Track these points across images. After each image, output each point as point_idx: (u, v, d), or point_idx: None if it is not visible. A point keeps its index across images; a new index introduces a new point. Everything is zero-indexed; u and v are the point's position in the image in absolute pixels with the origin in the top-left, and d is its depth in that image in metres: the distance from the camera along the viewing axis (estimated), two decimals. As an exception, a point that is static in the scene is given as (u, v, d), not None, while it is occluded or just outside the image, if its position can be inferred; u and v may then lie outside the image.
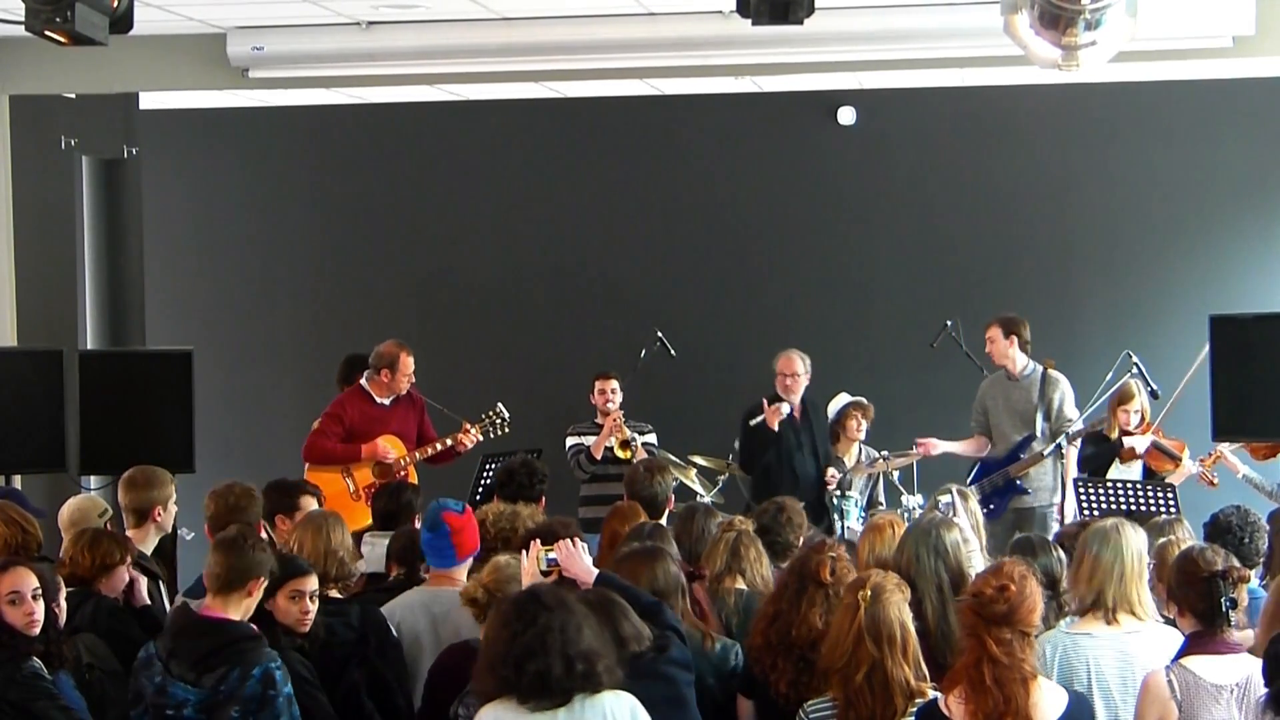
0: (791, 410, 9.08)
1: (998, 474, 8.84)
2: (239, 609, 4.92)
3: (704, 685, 5.02)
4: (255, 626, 4.95)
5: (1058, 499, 8.89)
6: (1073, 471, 8.90)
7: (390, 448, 8.65)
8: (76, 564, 5.67)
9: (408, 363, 8.80)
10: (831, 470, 9.09)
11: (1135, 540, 5.01)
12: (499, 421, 8.96)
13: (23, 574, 4.95)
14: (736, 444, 9.32)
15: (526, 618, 4.27)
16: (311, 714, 5.00)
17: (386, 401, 8.85)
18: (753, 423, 9.13)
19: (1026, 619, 4.22)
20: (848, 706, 4.38)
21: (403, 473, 8.66)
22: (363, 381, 8.87)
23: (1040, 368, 9.10)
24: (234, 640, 4.82)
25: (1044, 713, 4.20)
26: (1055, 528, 8.69)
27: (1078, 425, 8.80)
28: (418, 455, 8.80)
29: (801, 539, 6.33)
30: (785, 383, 9.09)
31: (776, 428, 9.00)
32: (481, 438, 8.89)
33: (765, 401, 9.09)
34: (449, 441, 8.83)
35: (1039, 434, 8.96)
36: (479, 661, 4.37)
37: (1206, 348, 8.37)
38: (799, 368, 9.10)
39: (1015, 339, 9.13)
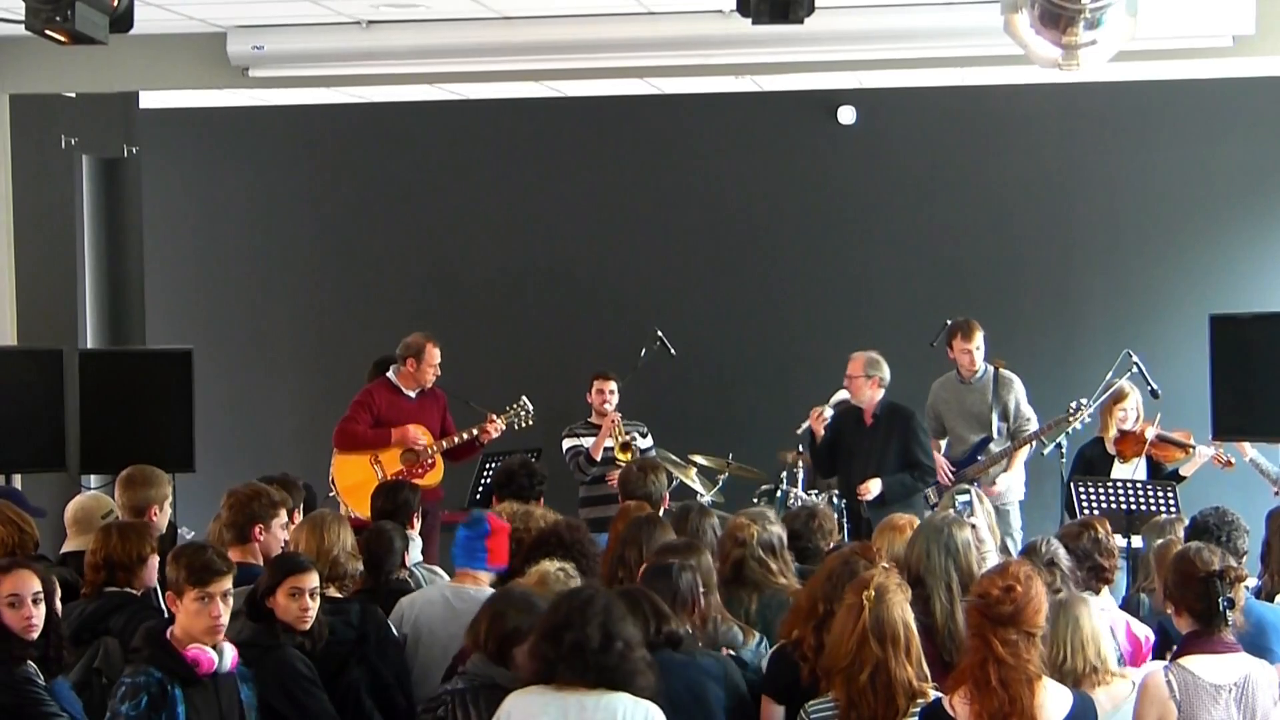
0: (861, 414, 8.61)
1: (956, 476, 8.77)
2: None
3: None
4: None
5: (1014, 497, 8.95)
6: (1017, 469, 8.93)
7: (420, 434, 8.69)
8: (116, 562, 5.58)
9: (434, 354, 8.85)
10: (869, 485, 8.33)
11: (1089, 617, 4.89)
12: (523, 413, 8.98)
13: (25, 577, 4.88)
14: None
15: (571, 597, 4.38)
16: (311, 712, 5.01)
17: (412, 394, 8.88)
18: (799, 430, 8.84)
19: (1032, 620, 4.22)
20: (850, 707, 4.37)
21: (431, 461, 8.72)
22: (389, 374, 8.91)
23: (991, 369, 9.07)
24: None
25: (1049, 713, 4.21)
26: (1018, 521, 8.83)
27: (1083, 420, 8.76)
28: (444, 444, 8.82)
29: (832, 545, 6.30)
30: (845, 384, 8.67)
31: (821, 431, 8.58)
32: (504, 427, 8.91)
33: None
34: (474, 432, 8.86)
35: (995, 434, 8.94)
36: (525, 652, 4.43)
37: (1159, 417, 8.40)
38: (857, 369, 8.53)
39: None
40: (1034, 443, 8.81)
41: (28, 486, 8.87)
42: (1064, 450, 8.75)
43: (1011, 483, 8.99)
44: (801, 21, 6.20)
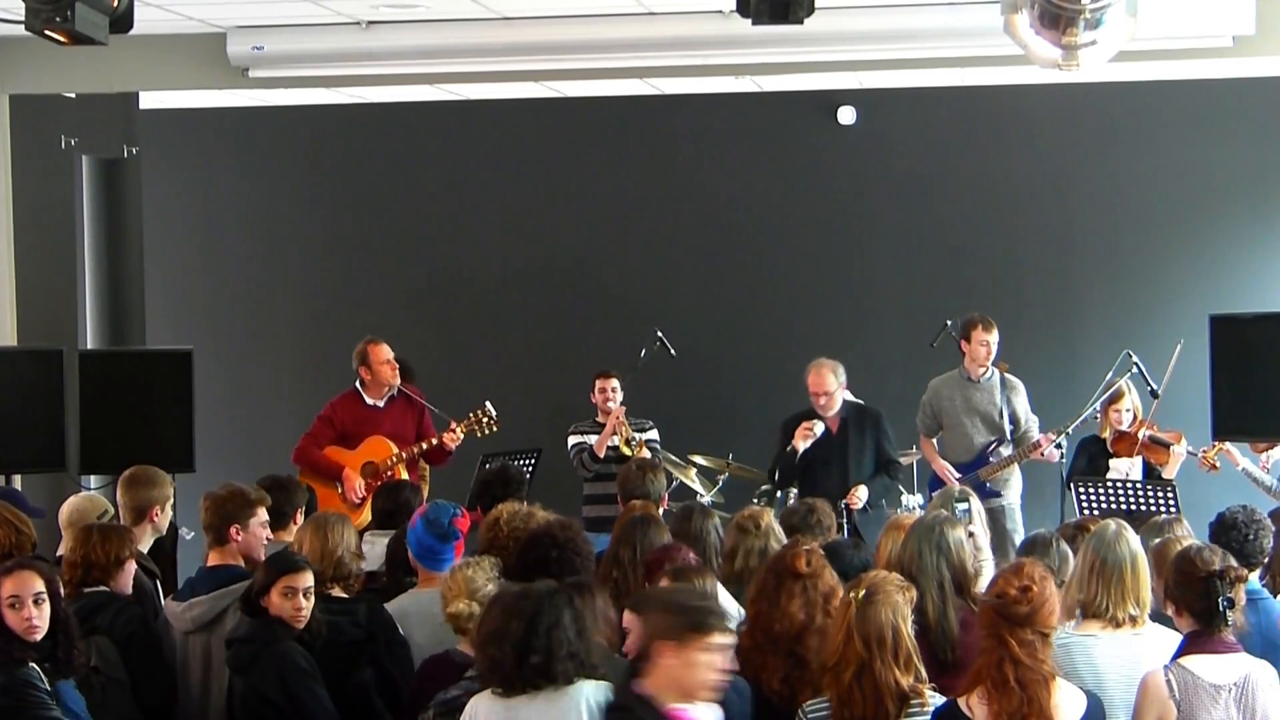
0: (827, 424, 8.53)
1: (967, 479, 8.73)
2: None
3: None
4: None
5: (1015, 496, 8.99)
6: (1015, 469, 8.96)
7: (357, 484, 8.56)
8: (92, 562, 5.60)
9: (377, 353, 8.75)
10: (857, 493, 8.35)
11: (1137, 542, 5.06)
12: (485, 420, 8.83)
13: (25, 577, 4.85)
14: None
15: (501, 603, 4.42)
16: (307, 707, 5.01)
17: (380, 402, 8.81)
18: (787, 450, 8.69)
19: (1047, 620, 4.27)
20: (840, 706, 4.38)
21: (390, 473, 8.58)
22: (356, 383, 8.86)
23: (996, 371, 9.06)
24: None
25: (1065, 713, 4.24)
26: (1020, 519, 8.86)
27: (1079, 421, 8.77)
28: (404, 454, 8.71)
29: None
30: (817, 402, 8.50)
31: (802, 448, 8.44)
32: (463, 437, 8.79)
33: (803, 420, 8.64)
34: (433, 442, 8.76)
35: (1007, 436, 8.93)
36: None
37: (1179, 347, 8.44)
38: (830, 383, 8.41)
39: None
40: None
41: (28, 487, 8.87)
42: (1064, 450, 8.76)
43: (1014, 482, 9.04)
44: (801, 22, 6.19)
